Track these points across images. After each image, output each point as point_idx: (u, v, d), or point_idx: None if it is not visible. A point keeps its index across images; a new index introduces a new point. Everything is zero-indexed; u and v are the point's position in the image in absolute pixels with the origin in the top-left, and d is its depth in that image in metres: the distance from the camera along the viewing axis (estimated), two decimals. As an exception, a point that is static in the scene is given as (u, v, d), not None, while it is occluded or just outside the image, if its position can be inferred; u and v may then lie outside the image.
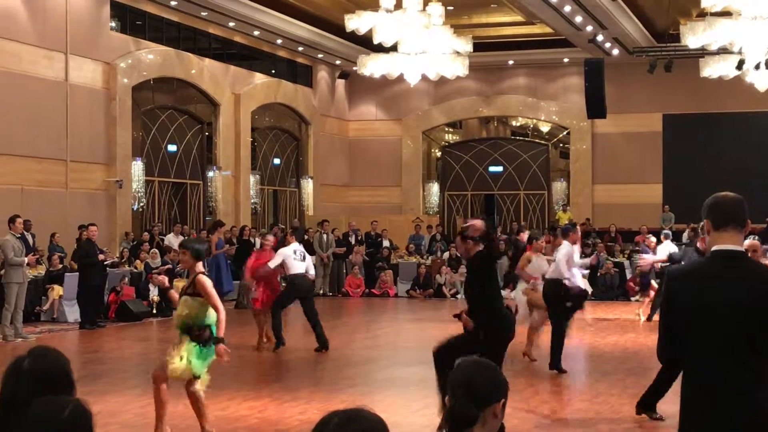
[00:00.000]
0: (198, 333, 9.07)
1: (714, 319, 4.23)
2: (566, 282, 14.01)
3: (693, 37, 24.66)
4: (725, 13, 24.22)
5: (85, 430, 3.28)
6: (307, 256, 17.02)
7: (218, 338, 9.06)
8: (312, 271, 16.96)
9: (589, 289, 25.24)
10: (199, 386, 9.18)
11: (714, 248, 4.38)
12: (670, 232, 22.77)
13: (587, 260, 20.58)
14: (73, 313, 20.78)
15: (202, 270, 9.15)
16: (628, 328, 19.73)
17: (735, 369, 4.17)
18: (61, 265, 21.60)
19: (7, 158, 22.45)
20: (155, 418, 9.30)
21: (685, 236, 25.98)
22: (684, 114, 33.85)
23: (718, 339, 4.22)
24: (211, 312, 9.10)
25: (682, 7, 28.63)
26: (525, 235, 20.35)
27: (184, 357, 9.00)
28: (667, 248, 20.99)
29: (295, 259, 16.41)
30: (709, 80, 28.96)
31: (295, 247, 16.64)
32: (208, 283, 9.09)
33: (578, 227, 15.59)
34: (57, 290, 20.96)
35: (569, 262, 14.14)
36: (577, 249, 14.98)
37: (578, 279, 14.68)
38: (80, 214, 23.65)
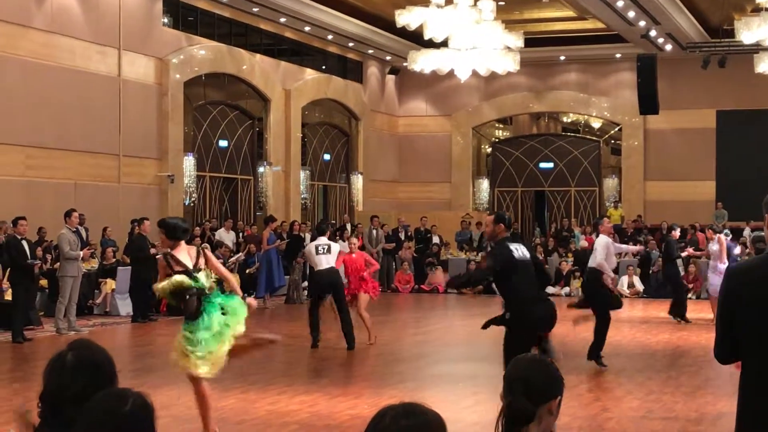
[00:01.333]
0: (186, 304, 8.90)
1: None
2: (607, 279, 14.28)
3: (747, 32, 24.41)
4: (781, 8, 23.92)
5: (147, 423, 3.29)
6: (335, 247, 16.51)
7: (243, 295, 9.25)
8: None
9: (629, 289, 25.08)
10: (204, 371, 8.83)
11: None
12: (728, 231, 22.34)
13: (633, 247, 20.46)
14: (125, 306, 20.95)
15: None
16: (680, 325, 19.53)
17: None
18: (114, 259, 21.79)
19: (61, 153, 22.70)
20: (201, 418, 9.23)
21: (747, 232, 25.78)
22: (737, 110, 33.46)
23: None
24: (199, 278, 8.93)
25: (737, 2, 28.29)
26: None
27: (179, 348, 8.93)
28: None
29: (319, 254, 16.20)
30: (763, 76, 28.66)
31: (318, 242, 16.41)
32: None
33: (605, 219, 15.61)
34: (110, 284, 21.15)
35: (608, 254, 14.38)
36: (611, 242, 15.08)
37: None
38: (132, 208, 23.88)
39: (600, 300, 14.31)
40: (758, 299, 4.22)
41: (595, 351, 13.99)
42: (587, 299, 14.73)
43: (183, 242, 9.12)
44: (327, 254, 16.03)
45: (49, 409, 3.68)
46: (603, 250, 14.39)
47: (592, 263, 14.50)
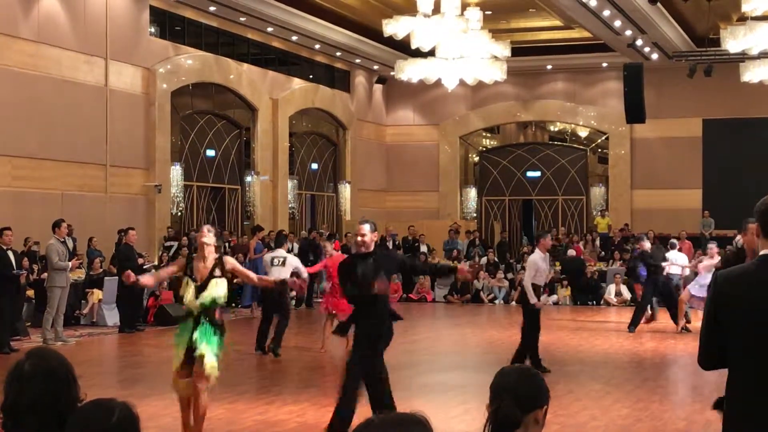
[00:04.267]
0: (218, 316, 9.16)
1: (766, 319, 4.18)
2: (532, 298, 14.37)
3: (733, 41, 24.48)
4: (766, 18, 24.02)
5: None
6: (291, 261, 16.62)
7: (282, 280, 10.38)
8: (304, 275, 16.64)
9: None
10: (213, 378, 9.03)
11: (762, 252, 4.34)
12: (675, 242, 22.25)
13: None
14: (112, 316, 20.89)
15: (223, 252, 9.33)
16: (667, 334, 19.57)
17: None
18: (101, 270, 21.74)
19: (48, 163, 22.65)
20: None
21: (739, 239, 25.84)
22: (724, 119, 33.57)
23: None
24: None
25: (723, 12, 28.39)
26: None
27: (212, 353, 9.00)
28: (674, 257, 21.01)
29: (274, 266, 16.20)
30: (749, 85, 28.75)
31: (275, 254, 16.51)
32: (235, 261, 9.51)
33: (548, 235, 15.57)
34: (97, 294, 21.09)
35: (537, 270, 14.44)
36: (546, 257, 15.08)
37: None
38: (119, 218, 23.83)
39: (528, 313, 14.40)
40: (749, 305, 4.23)
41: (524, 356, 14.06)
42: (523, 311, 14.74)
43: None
44: (281, 267, 16.11)
45: (10, 419, 3.69)
46: (530, 269, 14.49)
47: (525, 281, 14.55)
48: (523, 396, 3.55)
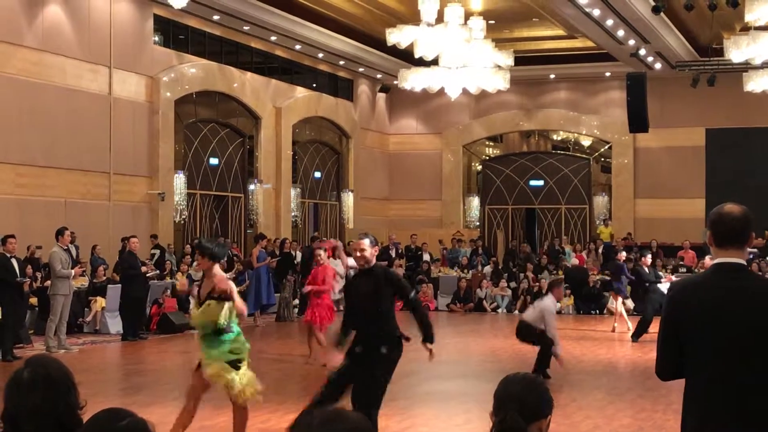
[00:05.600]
0: (226, 329, 9.04)
1: (725, 324, 4.22)
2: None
3: (736, 51, 24.51)
4: (769, 27, 24.02)
5: None
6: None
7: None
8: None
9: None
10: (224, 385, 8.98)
11: (716, 261, 4.39)
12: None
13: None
14: (115, 324, 20.90)
15: (222, 272, 9.02)
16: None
17: (746, 371, 4.18)
18: (105, 277, 21.75)
19: (52, 171, 22.69)
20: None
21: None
22: (727, 128, 33.58)
23: (731, 343, 4.21)
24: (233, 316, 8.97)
25: (726, 21, 28.43)
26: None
27: (215, 363, 8.92)
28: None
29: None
30: (752, 94, 28.79)
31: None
32: (230, 283, 9.03)
33: (563, 286, 15.79)
34: (100, 302, 21.10)
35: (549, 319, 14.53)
36: (556, 305, 15.27)
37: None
38: (123, 226, 23.87)
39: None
40: (704, 313, 4.26)
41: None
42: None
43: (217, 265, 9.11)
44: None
45: (10, 427, 3.71)
46: (550, 317, 14.52)
47: (552, 332, 14.50)
48: (528, 407, 3.57)
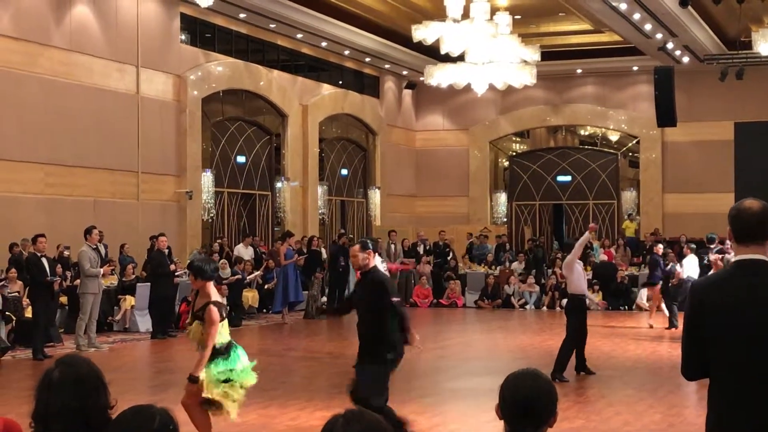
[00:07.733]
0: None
1: (747, 322, 4.19)
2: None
3: (765, 44, 24.39)
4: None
5: None
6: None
7: (192, 377, 8.61)
8: None
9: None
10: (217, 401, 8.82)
11: (737, 258, 4.33)
12: (693, 245, 22.71)
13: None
14: (144, 323, 20.99)
15: (215, 296, 8.76)
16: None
17: None
18: (134, 276, 21.85)
19: (80, 170, 22.81)
20: None
21: None
22: (756, 122, 33.32)
23: (754, 341, 4.18)
24: (224, 330, 8.73)
25: (754, 14, 28.23)
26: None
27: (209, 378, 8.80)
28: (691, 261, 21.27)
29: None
30: (781, 87, 28.57)
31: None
32: (214, 312, 8.59)
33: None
34: (129, 300, 21.20)
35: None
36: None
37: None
38: (151, 225, 23.96)
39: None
40: (727, 312, 4.22)
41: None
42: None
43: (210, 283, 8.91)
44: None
45: (41, 426, 3.73)
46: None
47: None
48: (538, 410, 3.67)
